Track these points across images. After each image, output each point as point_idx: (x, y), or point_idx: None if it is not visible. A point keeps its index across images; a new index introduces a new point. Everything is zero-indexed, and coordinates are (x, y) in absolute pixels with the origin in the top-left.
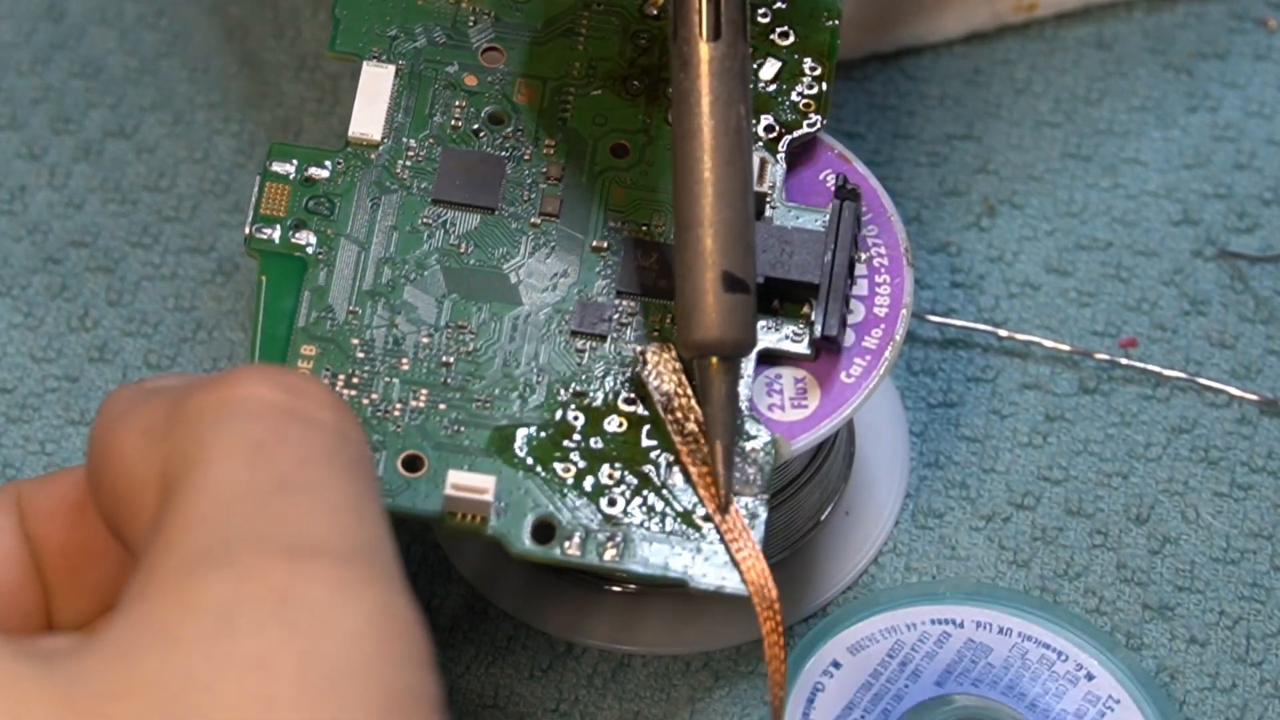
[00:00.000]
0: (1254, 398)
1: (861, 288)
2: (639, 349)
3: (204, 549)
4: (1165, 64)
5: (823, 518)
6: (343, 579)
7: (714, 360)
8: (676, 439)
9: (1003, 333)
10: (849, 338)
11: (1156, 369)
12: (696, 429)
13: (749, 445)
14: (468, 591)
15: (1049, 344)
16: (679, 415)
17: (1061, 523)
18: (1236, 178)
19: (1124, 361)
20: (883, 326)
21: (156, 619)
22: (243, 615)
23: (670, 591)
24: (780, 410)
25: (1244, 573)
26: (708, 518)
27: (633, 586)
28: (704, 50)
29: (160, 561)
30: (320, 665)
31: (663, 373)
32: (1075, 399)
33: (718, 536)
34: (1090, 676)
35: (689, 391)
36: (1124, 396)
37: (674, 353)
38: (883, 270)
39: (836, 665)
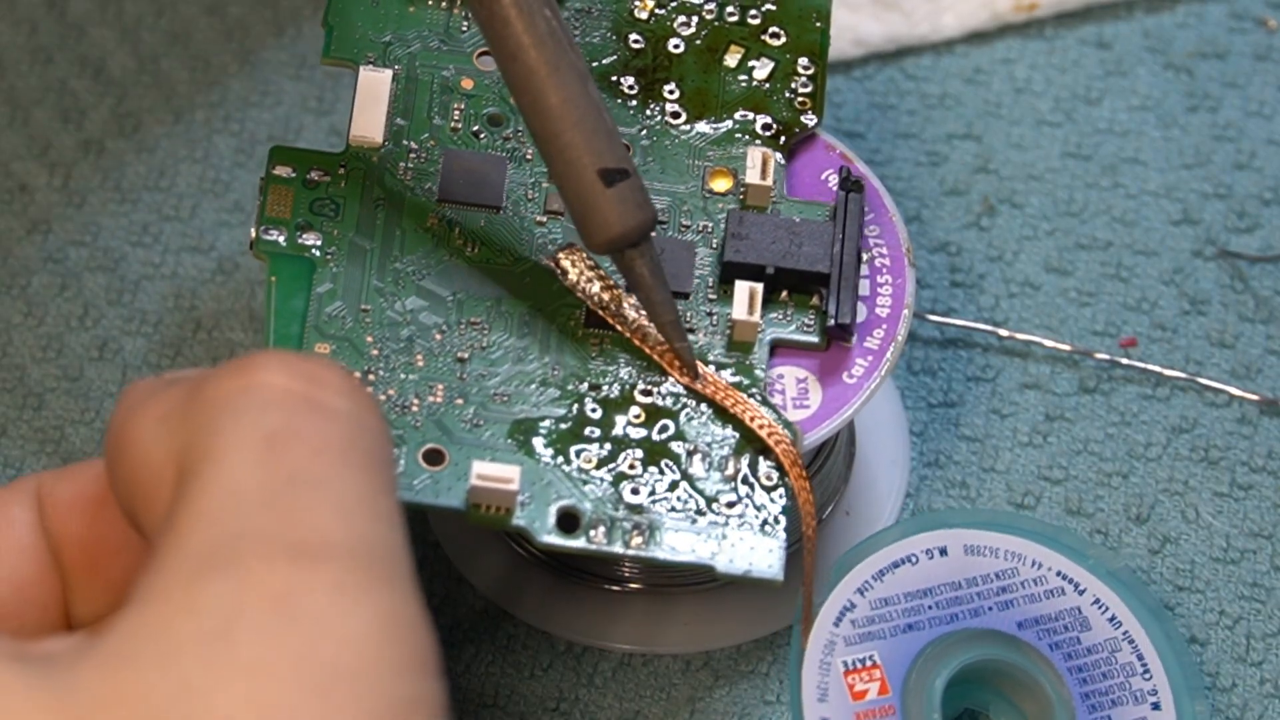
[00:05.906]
0: (1254, 398)
1: (863, 288)
2: (552, 257)
3: (209, 550)
4: (1165, 64)
5: (823, 517)
6: (346, 582)
7: (625, 251)
8: (622, 329)
9: (1003, 332)
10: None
11: (1156, 369)
12: (635, 313)
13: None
14: (468, 592)
15: (1049, 344)
16: (615, 306)
17: (1061, 522)
18: (1236, 178)
19: (1124, 361)
20: (884, 327)
21: (156, 623)
22: (242, 620)
23: (688, 591)
24: (782, 410)
25: (1244, 573)
26: (731, 504)
27: (634, 586)
28: None
29: (165, 562)
30: (318, 671)
31: (584, 273)
32: (1075, 399)
33: (708, 404)
34: (1157, 707)
35: (612, 282)
36: (1124, 396)
37: (584, 253)
38: (884, 270)
39: (944, 552)
